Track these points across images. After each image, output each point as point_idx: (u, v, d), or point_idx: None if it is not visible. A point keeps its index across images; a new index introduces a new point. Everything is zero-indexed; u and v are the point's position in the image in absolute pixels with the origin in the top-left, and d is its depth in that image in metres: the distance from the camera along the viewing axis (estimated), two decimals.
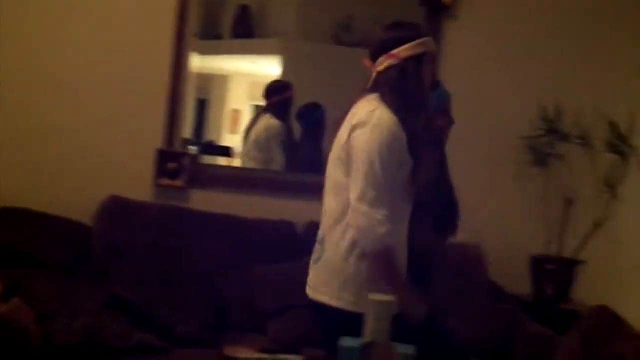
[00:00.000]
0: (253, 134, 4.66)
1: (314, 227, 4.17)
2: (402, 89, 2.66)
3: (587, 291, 4.37)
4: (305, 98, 4.66)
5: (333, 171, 2.75)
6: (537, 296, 4.31)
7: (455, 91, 4.47)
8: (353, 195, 2.60)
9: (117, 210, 4.00)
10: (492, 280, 4.24)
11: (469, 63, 4.55)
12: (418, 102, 2.69)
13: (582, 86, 4.57)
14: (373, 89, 2.73)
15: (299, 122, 4.65)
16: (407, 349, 2.65)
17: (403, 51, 2.68)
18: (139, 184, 4.22)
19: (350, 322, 2.54)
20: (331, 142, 2.83)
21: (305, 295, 2.83)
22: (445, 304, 3.92)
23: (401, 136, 2.61)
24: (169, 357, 3.45)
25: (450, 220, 3.11)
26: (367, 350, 2.47)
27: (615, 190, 4.43)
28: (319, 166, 3.00)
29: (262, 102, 4.70)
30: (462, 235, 3.28)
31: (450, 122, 3.15)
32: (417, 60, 2.70)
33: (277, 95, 4.65)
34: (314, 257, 2.82)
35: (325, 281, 2.72)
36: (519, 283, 4.41)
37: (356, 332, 2.49)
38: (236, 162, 4.69)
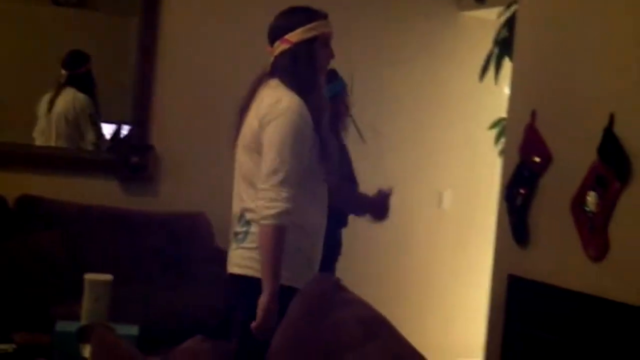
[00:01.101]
0: (57, 109, 4.35)
1: (25, 201, 3.96)
2: (296, 72, 2.80)
3: None
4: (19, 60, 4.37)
5: (243, 158, 2.84)
6: None
7: (174, 62, 4.48)
8: (261, 179, 2.69)
9: None
10: (220, 247, 4.22)
11: (188, 33, 4.50)
12: (312, 83, 2.83)
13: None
14: (272, 74, 2.85)
15: None
16: (129, 330, 2.56)
17: (295, 35, 2.81)
18: None
19: (284, 295, 2.56)
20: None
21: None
22: (170, 276, 3.88)
23: (308, 118, 2.75)
24: None
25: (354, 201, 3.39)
26: (84, 333, 2.34)
27: None
28: None
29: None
30: None
31: (347, 110, 3.46)
32: (309, 43, 2.82)
33: (79, 67, 4.41)
34: (236, 236, 2.85)
35: (254, 257, 2.75)
36: None
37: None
38: None
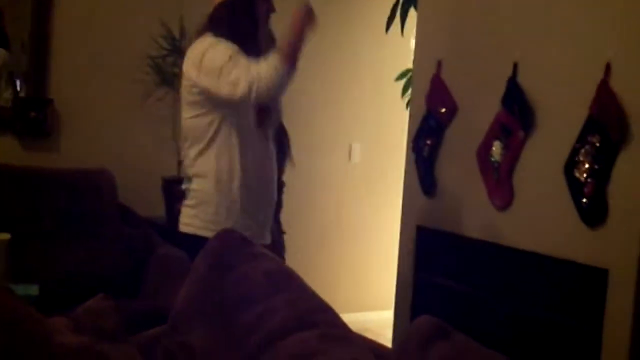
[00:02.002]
0: None
1: None
2: (233, 23, 2.78)
3: None
4: None
5: (182, 115, 2.86)
6: (170, 217, 4.28)
7: (72, 13, 4.31)
8: (224, 89, 2.67)
9: None
10: (124, 204, 4.13)
11: None
12: (249, 35, 2.80)
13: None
14: (209, 24, 2.83)
15: None
16: (29, 290, 2.47)
17: None
18: None
19: None
20: None
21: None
22: (73, 234, 3.76)
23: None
24: None
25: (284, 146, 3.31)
26: None
27: None
28: None
29: None
30: None
31: None
32: None
33: None
34: (184, 194, 2.92)
35: (193, 214, 2.85)
36: (153, 205, 4.36)
37: None
38: None
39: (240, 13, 2.80)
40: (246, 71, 2.65)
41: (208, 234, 2.73)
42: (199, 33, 2.89)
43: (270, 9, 2.91)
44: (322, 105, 5.24)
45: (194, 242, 2.76)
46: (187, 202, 2.90)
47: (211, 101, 2.77)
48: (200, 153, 2.83)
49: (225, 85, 2.67)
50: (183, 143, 2.91)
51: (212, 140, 2.80)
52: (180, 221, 2.93)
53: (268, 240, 2.99)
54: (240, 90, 2.64)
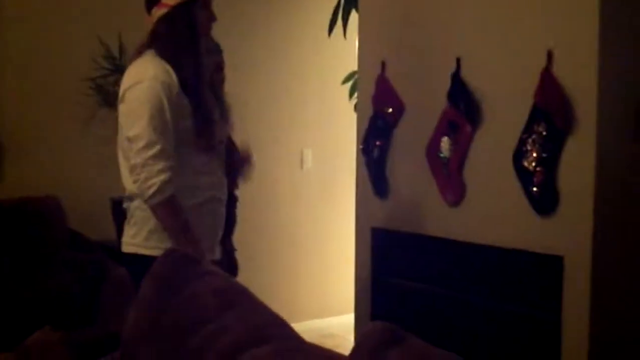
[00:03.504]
0: None
1: None
2: (173, 37, 2.69)
3: None
4: None
5: (120, 138, 2.76)
6: (121, 239, 4.20)
7: (11, 40, 4.21)
8: (133, 152, 2.60)
9: None
10: (74, 229, 4.04)
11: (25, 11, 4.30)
12: (190, 48, 2.71)
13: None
14: (149, 43, 2.73)
15: None
16: None
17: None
18: None
19: None
20: None
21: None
22: (21, 265, 3.67)
23: (174, 85, 2.64)
24: None
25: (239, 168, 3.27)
26: None
27: None
28: None
29: None
30: None
31: (223, 77, 3.32)
32: (187, 6, 2.70)
33: None
34: (127, 215, 2.85)
35: (134, 233, 2.77)
36: (104, 228, 4.27)
37: None
38: None
39: (180, 27, 2.70)
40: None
41: (149, 252, 2.68)
42: (139, 51, 2.79)
43: (212, 19, 2.83)
44: (271, 113, 5.20)
45: (137, 261, 2.71)
46: (127, 220, 2.83)
47: None
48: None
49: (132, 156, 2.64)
50: (122, 163, 2.80)
51: None
52: (122, 241, 2.86)
53: (217, 255, 2.91)
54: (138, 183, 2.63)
